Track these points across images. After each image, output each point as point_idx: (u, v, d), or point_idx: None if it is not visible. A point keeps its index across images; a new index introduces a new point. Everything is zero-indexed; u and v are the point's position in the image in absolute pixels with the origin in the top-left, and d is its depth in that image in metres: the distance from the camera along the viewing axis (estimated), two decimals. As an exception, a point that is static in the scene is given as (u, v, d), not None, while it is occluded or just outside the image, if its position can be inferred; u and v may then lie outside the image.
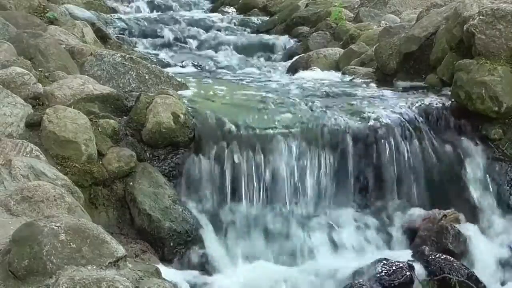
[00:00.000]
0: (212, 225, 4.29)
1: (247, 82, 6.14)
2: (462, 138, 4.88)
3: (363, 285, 3.85)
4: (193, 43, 8.73)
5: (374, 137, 4.72)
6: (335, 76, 6.51)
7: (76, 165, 4.11)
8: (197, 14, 10.88)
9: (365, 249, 4.38)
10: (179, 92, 5.07)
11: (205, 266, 4.09)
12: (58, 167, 3.99)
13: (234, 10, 11.47)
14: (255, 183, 4.47)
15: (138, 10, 11.01)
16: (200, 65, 7.81)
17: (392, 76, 6.05)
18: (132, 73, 5.36)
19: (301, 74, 6.77)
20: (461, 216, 4.54)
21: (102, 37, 7.41)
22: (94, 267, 2.72)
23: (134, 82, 5.32)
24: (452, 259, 4.12)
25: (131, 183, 4.25)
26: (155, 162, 4.46)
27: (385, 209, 4.63)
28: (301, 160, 4.58)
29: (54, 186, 3.43)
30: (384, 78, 6.08)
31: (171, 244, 4.08)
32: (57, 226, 2.80)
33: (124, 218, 4.24)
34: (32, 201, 3.27)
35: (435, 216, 4.47)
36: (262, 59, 8.41)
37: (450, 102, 5.07)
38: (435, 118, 4.96)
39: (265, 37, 9.15)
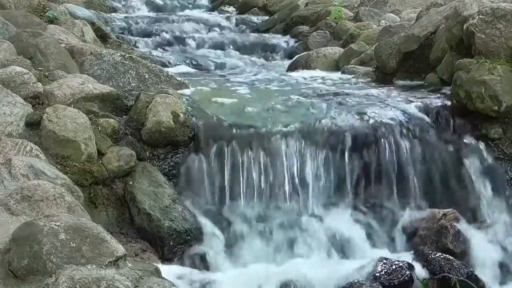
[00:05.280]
0: (212, 224, 4.29)
1: (246, 81, 6.14)
2: (462, 137, 4.87)
3: (363, 284, 3.85)
4: (193, 43, 8.72)
5: (374, 136, 4.72)
6: (335, 75, 6.51)
7: (76, 164, 4.12)
8: (196, 13, 10.88)
9: (365, 248, 4.38)
10: (179, 92, 5.08)
11: (205, 265, 4.09)
12: (58, 166, 3.99)
13: (234, 9, 11.46)
14: (254, 182, 4.48)
15: (138, 9, 11.01)
16: (200, 65, 7.81)
17: (392, 75, 6.05)
18: (132, 72, 5.36)
19: (301, 73, 6.77)
20: (461, 216, 4.53)
21: (102, 36, 7.42)
22: (94, 266, 2.72)
23: (134, 81, 5.33)
24: (452, 258, 4.12)
25: (131, 182, 4.25)
26: (155, 161, 4.46)
27: (384, 208, 4.63)
28: (301, 159, 4.58)
29: (54, 185, 3.44)
30: (383, 78, 6.08)
31: (171, 243, 4.08)
32: (57, 226, 2.80)
33: (124, 217, 4.24)
34: (32, 200, 3.27)
35: (435, 215, 4.47)
36: (261, 59, 8.41)
37: (450, 101, 5.07)
38: (434, 117, 4.96)
39: (265, 36, 9.15)
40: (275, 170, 4.52)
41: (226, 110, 4.85)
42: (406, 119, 4.87)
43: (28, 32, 5.38)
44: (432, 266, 4.07)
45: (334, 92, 5.48)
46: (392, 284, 3.91)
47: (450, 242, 4.31)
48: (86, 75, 5.02)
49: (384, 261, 4.04)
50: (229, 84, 5.85)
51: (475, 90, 4.78)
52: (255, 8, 11.03)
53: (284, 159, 4.54)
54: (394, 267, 3.98)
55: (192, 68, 7.64)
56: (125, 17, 9.65)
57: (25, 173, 3.58)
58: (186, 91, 5.30)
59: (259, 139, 4.57)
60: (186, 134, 4.52)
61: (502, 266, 4.37)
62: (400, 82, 5.90)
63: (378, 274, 3.94)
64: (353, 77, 6.26)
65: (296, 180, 4.54)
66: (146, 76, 5.37)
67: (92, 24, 7.41)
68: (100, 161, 4.26)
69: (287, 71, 7.31)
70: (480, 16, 4.93)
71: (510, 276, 4.34)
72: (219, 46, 8.64)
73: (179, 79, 5.51)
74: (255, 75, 6.77)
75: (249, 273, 4.02)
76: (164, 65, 7.07)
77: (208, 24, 9.60)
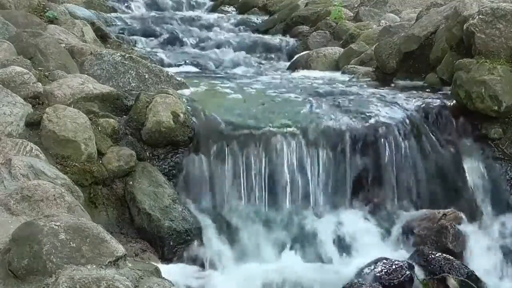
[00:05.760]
0: (212, 224, 4.29)
1: (246, 81, 6.14)
2: (462, 137, 4.88)
3: (363, 284, 3.86)
4: (193, 43, 8.72)
5: (374, 136, 4.73)
6: (334, 75, 6.52)
7: (76, 164, 4.12)
8: (197, 13, 10.88)
9: (365, 248, 4.38)
10: (179, 92, 5.08)
11: (205, 265, 4.09)
12: (58, 166, 3.99)
13: (234, 9, 11.46)
14: (254, 182, 4.48)
15: (138, 9, 11.01)
16: (200, 65, 7.81)
17: (392, 75, 6.05)
18: (132, 72, 5.36)
19: (301, 73, 6.78)
20: (461, 215, 4.53)
21: (102, 36, 7.41)
22: (94, 266, 2.72)
23: (134, 81, 5.33)
24: (452, 258, 4.13)
25: (131, 182, 4.25)
26: (155, 161, 4.46)
27: (384, 208, 4.63)
28: (301, 159, 4.58)
29: (54, 185, 3.43)
30: (383, 78, 6.08)
31: (171, 243, 4.08)
32: (57, 226, 2.80)
33: (124, 217, 4.24)
34: (32, 200, 3.27)
35: (435, 215, 4.47)
36: (261, 59, 8.41)
37: (450, 101, 5.07)
38: (434, 118, 4.96)
39: (265, 36, 9.15)
40: (275, 170, 4.52)
41: (226, 110, 4.85)
42: (406, 119, 4.87)
43: (28, 32, 5.38)
44: (432, 266, 4.07)
45: (334, 92, 5.48)
46: (392, 284, 3.91)
47: (450, 242, 4.31)
48: (86, 75, 5.02)
49: (384, 261, 4.04)
50: (229, 84, 5.85)
51: (475, 90, 4.78)
52: (255, 8, 11.03)
53: (284, 159, 4.54)
54: (394, 267, 3.98)
55: (192, 68, 7.64)
56: (125, 17, 9.64)
57: (25, 173, 3.58)
58: (186, 91, 5.31)
59: (259, 139, 4.57)
60: (186, 134, 4.52)
61: (502, 266, 4.37)
62: (400, 82, 5.90)
63: (378, 274, 3.94)
64: (353, 77, 6.26)
65: (296, 180, 4.54)
66: (146, 76, 5.37)
67: (92, 24, 7.41)
68: (100, 161, 4.26)
69: (287, 70, 7.32)
70: (480, 16, 4.93)
71: (510, 276, 4.34)
72: (219, 46, 8.64)
73: (179, 79, 5.51)
74: (255, 75, 6.78)
75: (249, 273, 4.02)
76: (164, 65, 7.06)
77: (208, 24, 9.60)
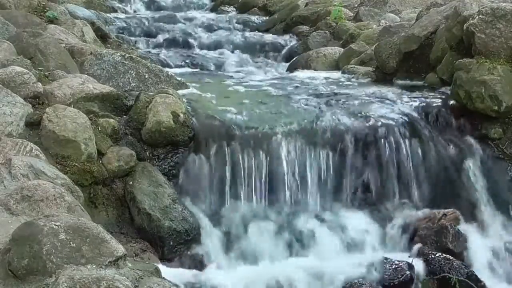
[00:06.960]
0: (212, 224, 4.29)
1: (246, 81, 6.14)
2: (462, 137, 4.88)
3: (363, 284, 3.86)
4: (193, 42, 8.71)
5: (374, 137, 4.73)
6: (335, 75, 6.51)
7: (76, 164, 4.12)
8: (196, 13, 10.87)
9: (365, 248, 4.38)
10: (179, 92, 5.08)
11: (205, 265, 4.09)
12: (58, 166, 3.99)
13: (234, 9, 11.46)
14: (255, 182, 4.48)
15: (138, 9, 11.01)
16: (200, 65, 7.80)
17: (392, 75, 6.05)
18: (132, 72, 5.36)
19: (301, 73, 6.77)
20: (461, 216, 4.54)
21: (102, 36, 7.41)
22: (94, 266, 2.72)
23: (134, 81, 5.33)
24: (452, 258, 4.13)
25: (131, 182, 4.25)
26: (155, 161, 4.46)
27: (385, 208, 4.63)
28: (301, 159, 4.58)
29: (54, 185, 3.43)
30: (384, 77, 6.08)
31: (171, 243, 4.08)
32: (57, 225, 2.80)
33: (124, 217, 4.24)
34: (32, 200, 3.27)
35: (435, 216, 4.47)
36: (261, 58, 8.40)
37: (450, 101, 5.07)
38: (434, 117, 4.97)
39: (265, 36, 9.14)
40: (275, 170, 4.52)
41: (226, 110, 4.85)
42: (406, 119, 4.87)
43: (28, 32, 5.38)
44: (432, 266, 4.07)
45: (334, 92, 5.48)
46: (392, 284, 3.91)
47: (450, 242, 4.31)
48: (86, 75, 5.02)
49: (384, 261, 4.04)
50: (228, 84, 5.85)
51: (475, 90, 4.78)
52: (255, 8, 11.02)
53: (284, 159, 4.54)
54: (394, 267, 3.98)
55: (192, 68, 7.64)
56: (125, 17, 9.64)
57: (25, 173, 3.58)
58: (186, 91, 5.31)
59: (259, 139, 4.57)
60: (186, 134, 4.52)
61: (501, 266, 4.37)
62: (400, 82, 5.90)
63: (378, 274, 3.94)
64: (353, 77, 6.26)
65: (296, 180, 4.55)
66: (146, 76, 5.37)
67: (92, 24, 7.41)
68: (100, 161, 4.26)
69: (287, 71, 7.32)
70: (480, 16, 4.93)
71: (510, 276, 4.34)
72: (219, 46, 8.63)
73: (179, 79, 5.51)
74: (254, 75, 6.78)
75: (249, 273, 4.02)
76: (164, 65, 7.06)
77: (208, 24, 9.59)
